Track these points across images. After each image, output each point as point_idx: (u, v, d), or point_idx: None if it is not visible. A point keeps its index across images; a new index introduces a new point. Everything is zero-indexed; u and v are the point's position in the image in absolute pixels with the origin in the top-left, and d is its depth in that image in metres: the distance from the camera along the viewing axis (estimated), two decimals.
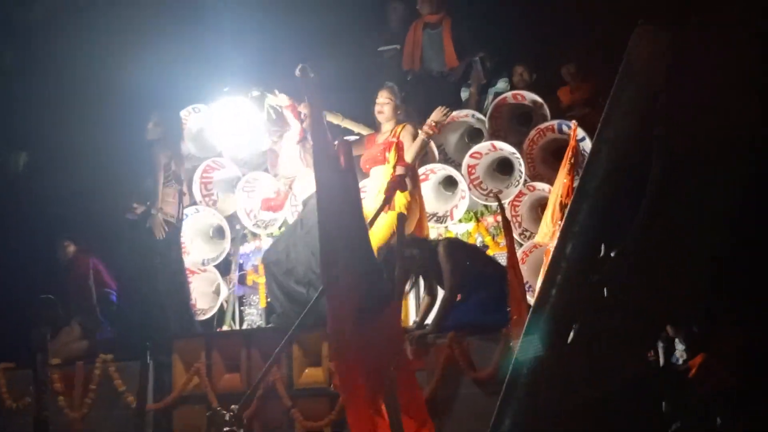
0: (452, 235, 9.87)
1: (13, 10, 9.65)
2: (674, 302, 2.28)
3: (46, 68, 10.28)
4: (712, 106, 2.12)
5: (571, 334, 2.20)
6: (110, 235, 10.16)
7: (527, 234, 9.79)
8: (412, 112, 9.71)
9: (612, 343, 2.25)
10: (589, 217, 2.17)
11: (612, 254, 2.20)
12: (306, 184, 9.20)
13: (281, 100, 9.35)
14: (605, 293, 2.22)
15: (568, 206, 2.24)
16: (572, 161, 9.01)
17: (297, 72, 7.97)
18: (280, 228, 10.23)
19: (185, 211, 10.00)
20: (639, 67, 2.17)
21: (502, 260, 9.62)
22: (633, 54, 2.17)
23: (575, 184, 8.99)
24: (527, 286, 8.82)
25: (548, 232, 8.92)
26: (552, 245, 8.69)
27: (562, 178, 8.95)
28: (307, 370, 8.49)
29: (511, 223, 9.20)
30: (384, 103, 9.28)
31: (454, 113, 10.22)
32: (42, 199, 10.43)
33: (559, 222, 8.79)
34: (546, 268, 2.23)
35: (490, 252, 9.92)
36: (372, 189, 9.11)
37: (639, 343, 2.25)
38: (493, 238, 10.01)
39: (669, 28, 2.09)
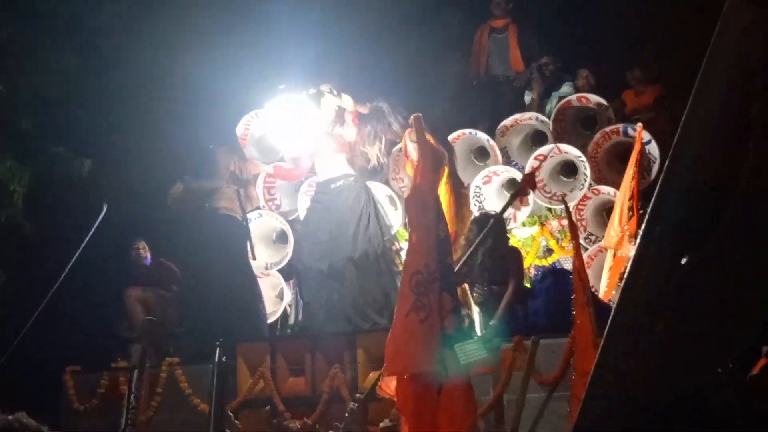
0: (515, 238, 9.81)
1: (78, 15, 9.76)
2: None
3: (110, 72, 10.38)
4: None
5: (658, 328, 2.14)
6: (176, 233, 10.25)
7: (592, 238, 9.72)
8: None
9: (701, 336, 2.19)
10: (678, 199, 2.11)
11: (704, 239, 2.13)
12: (327, 167, 9.25)
13: (345, 102, 9.33)
14: (697, 280, 2.16)
15: (657, 189, 2.17)
16: (637, 164, 8.92)
17: (412, 120, 8.15)
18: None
19: (249, 215, 10.06)
20: (731, 43, 2.10)
21: (567, 264, 9.58)
22: (724, 29, 2.10)
23: (641, 187, 8.93)
24: (593, 290, 8.73)
25: (615, 237, 8.83)
26: (622, 251, 8.65)
27: (629, 181, 8.87)
28: (371, 374, 8.47)
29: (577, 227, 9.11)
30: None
31: (518, 116, 10.20)
32: (109, 202, 10.50)
33: (626, 226, 8.72)
34: (634, 252, 2.17)
35: (555, 256, 9.86)
36: None
37: (729, 340, 2.18)
38: (558, 242, 9.94)
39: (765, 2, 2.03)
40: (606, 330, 2.23)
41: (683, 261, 2.08)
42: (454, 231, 8.53)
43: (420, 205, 6.42)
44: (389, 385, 6.43)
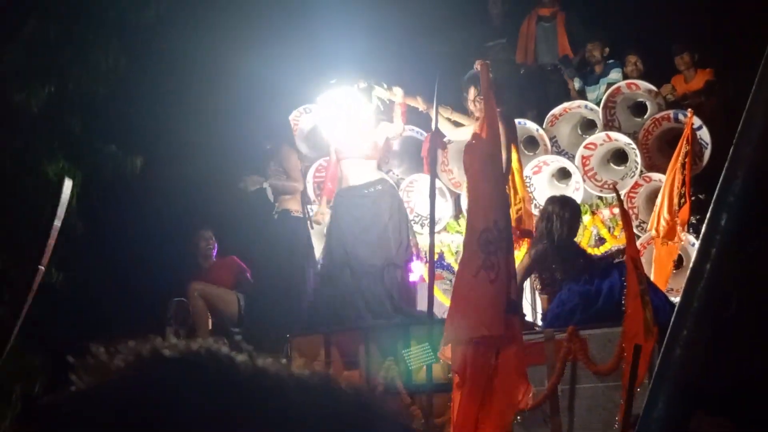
0: None
1: (125, 14, 9.83)
2: None
3: (158, 69, 10.46)
4: None
5: (729, 310, 2.12)
6: (241, 230, 10.33)
7: (644, 226, 9.64)
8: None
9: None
10: (744, 185, 2.08)
11: None
12: (357, 172, 9.31)
13: (396, 95, 9.30)
14: (765, 266, 2.13)
15: (722, 175, 2.14)
16: (689, 150, 8.83)
17: (478, 66, 8.13)
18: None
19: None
20: None
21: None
22: None
23: (693, 173, 8.84)
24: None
25: (668, 227, 8.71)
26: (675, 239, 8.57)
27: (674, 168, 8.77)
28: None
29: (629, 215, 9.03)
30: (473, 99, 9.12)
31: (566, 104, 10.16)
32: (164, 196, 10.58)
33: (676, 216, 8.63)
34: (700, 241, 2.14)
35: (607, 245, 9.79)
36: None
37: None
38: (610, 231, 9.87)
39: None
40: (672, 319, 2.20)
41: (749, 248, 2.06)
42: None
43: (486, 157, 6.29)
44: (449, 351, 6.35)
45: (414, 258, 9.27)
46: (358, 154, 9.41)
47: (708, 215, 2.12)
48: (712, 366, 2.14)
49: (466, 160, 6.50)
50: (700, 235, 2.17)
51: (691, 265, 2.17)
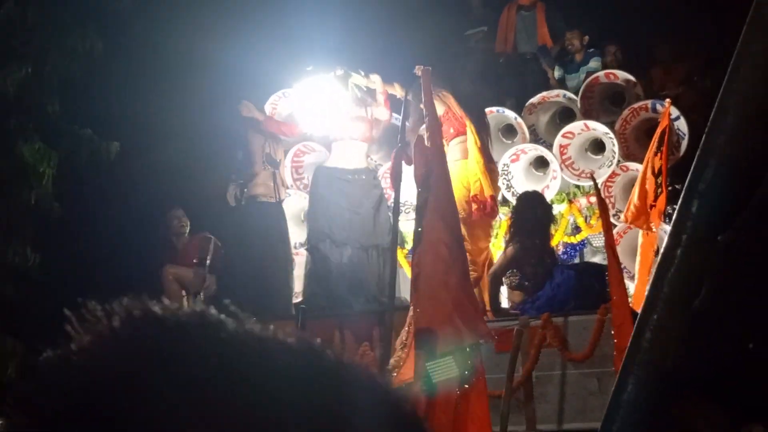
0: None
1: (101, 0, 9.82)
2: None
3: (135, 55, 10.42)
4: None
5: (699, 297, 2.14)
6: (213, 216, 10.32)
7: (621, 215, 9.67)
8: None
9: (742, 309, 2.18)
10: (716, 173, 2.10)
11: (742, 213, 2.13)
12: (347, 154, 9.37)
13: (375, 82, 9.32)
14: (735, 254, 2.15)
15: (694, 162, 2.17)
16: (665, 140, 8.86)
17: (418, 72, 8.18)
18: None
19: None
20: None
21: (597, 242, 9.57)
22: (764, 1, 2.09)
23: (669, 164, 8.88)
24: (622, 267, 8.71)
25: (637, 214, 8.77)
26: (654, 228, 8.61)
27: (651, 157, 8.81)
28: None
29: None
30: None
31: (545, 93, 10.19)
32: (139, 181, 10.55)
33: (653, 202, 8.67)
34: (658, 246, 2.18)
35: (583, 234, 9.85)
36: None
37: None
38: (586, 220, 9.92)
39: None
40: (643, 304, 2.23)
41: (719, 237, 2.08)
42: (491, 195, 8.56)
43: (431, 169, 6.47)
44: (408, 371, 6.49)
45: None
46: (352, 134, 9.46)
47: (679, 202, 2.14)
48: (682, 350, 2.17)
49: (415, 158, 6.75)
50: (672, 222, 2.20)
51: (662, 250, 2.19)
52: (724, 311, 2.10)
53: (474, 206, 8.53)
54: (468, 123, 8.65)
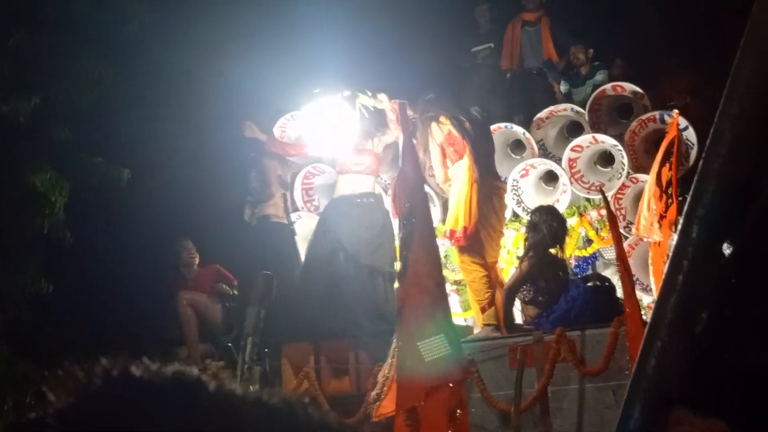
0: None
1: (108, 26, 9.85)
2: None
3: (143, 80, 10.46)
4: None
5: (701, 322, 2.15)
6: (225, 236, 10.34)
7: (632, 227, 9.66)
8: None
9: (743, 333, 2.18)
10: (714, 198, 2.11)
11: (742, 238, 2.13)
12: (352, 184, 9.42)
13: (382, 102, 9.32)
14: (735, 279, 2.15)
15: (692, 188, 2.17)
16: (674, 151, 8.85)
17: (395, 106, 8.28)
18: None
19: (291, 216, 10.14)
20: (764, 35, 2.09)
21: (608, 254, 9.55)
22: (757, 21, 2.09)
23: (679, 174, 8.86)
24: (635, 279, 8.69)
25: (647, 225, 8.76)
26: (655, 238, 8.60)
27: (656, 168, 8.80)
28: None
29: (616, 216, 9.08)
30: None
31: (552, 108, 10.20)
32: (150, 207, 10.58)
33: (663, 213, 8.66)
34: (668, 256, 2.18)
35: (594, 246, 9.84)
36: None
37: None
38: (597, 233, 9.91)
39: None
40: (646, 330, 2.23)
41: (723, 251, 2.09)
42: (473, 224, 8.49)
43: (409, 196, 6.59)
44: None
45: None
46: (358, 169, 9.51)
47: (680, 227, 2.15)
48: (686, 376, 2.17)
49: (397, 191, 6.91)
50: (673, 247, 2.20)
51: (663, 276, 2.20)
52: (725, 336, 2.11)
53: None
54: (467, 146, 8.61)
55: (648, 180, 8.92)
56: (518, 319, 8.99)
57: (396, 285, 7.55)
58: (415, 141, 8.87)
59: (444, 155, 8.68)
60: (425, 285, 6.55)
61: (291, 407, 0.99)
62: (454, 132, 8.58)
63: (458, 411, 6.28)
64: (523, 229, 9.55)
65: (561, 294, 8.49)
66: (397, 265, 9.23)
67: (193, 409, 0.94)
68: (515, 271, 8.89)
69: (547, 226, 8.62)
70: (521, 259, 8.78)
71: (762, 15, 2.03)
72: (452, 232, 8.49)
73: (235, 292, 10.09)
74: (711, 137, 2.14)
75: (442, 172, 8.75)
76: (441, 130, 8.60)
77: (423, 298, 6.50)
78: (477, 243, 8.50)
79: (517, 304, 8.93)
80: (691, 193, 2.10)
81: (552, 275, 8.59)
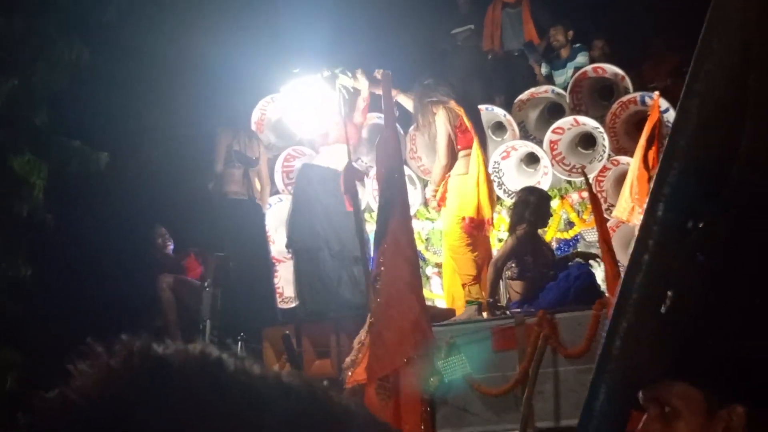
0: None
1: (87, 8, 9.78)
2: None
3: (121, 63, 10.40)
4: None
5: (668, 301, 2.13)
6: (197, 220, 10.28)
7: (612, 209, 9.65)
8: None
9: (710, 312, 2.16)
10: (680, 177, 2.08)
11: (708, 217, 2.10)
12: (335, 155, 9.36)
13: (360, 82, 9.26)
14: (702, 257, 2.13)
15: (658, 167, 2.15)
16: (656, 133, 8.83)
17: (378, 75, 8.24)
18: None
19: (270, 199, 10.05)
20: (729, 12, 2.06)
21: (590, 236, 9.55)
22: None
23: (654, 154, 8.85)
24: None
25: (627, 208, 8.75)
26: (635, 221, 8.60)
27: (641, 152, 8.78)
28: None
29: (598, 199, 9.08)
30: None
31: (533, 89, 10.18)
32: (129, 190, 10.54)
33: (637, 196, 8.65)
34: (638, 232, 2.15)
35: (576, 229, 9.84)
36: None
37: (738, 313, 2.16)
38: (579, 215, 9.91)
39: None
40: (612, 311, 2.21)
41: (689, 230, 2.07)
42: (489, 217, 8.59)
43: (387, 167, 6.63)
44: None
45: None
46: (337, 138, 9.46)
47: (645, 206, 2.13)
48: (652, 356, 2.15)
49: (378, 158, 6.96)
50: (639, 227, 2.18)
51: (629, 256, 2.18)
52: (692, 315, 2.09)
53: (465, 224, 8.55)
54: (475, 137, 8.61)
55: (632, 163, 8.89)
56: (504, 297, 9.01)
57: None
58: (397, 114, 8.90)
59: (450, 143, 8.63)
60: (406, 254, 6.58)
61: (311, 388, 0.99)
62: (466, 120, 8.57)
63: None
64: (504, 212, 9.56)
65: (547, 271, 8.47)
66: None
67: (216, 389, 0.93)
68: (502, 247, 8.86)
69: (525, 201, 8.59)
70: (509, 235, 8.76)
71: None
72: (472, 220, 8.51)
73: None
74: (676, 115, 2.11)
75: (445, 156, 8.65)
76: (449, 116, 8.57)
77: (403, 267, 6.52)
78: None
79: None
80: (657, 171, 2.08)
81: (536, 250, 8.56)
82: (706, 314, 2.10)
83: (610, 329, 2.15)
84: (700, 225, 2.02)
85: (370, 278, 7.05)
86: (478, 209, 8.49)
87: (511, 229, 8.63)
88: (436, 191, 8.68)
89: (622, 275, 2.22)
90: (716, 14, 2.03)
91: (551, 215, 9.00)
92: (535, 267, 8.50)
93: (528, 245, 8.50)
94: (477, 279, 8.53)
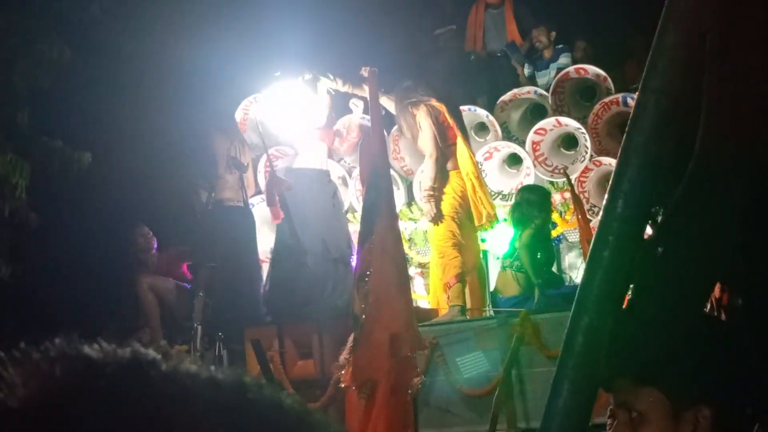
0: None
1: (68, 8, 9.76)
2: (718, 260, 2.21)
3: (103, 62, 10.38)
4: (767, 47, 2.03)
5: (627, 296, 2.14)
6: (185, 221, 10.26)
7: (595, 210, 9.66)
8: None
9: (670, 305, 2.17)
10: (639, 173, 2.09)
11: (665, 211, 2.12)
12: (313, 156, 9.39)
13: (340, 85, 9.27)
14: (660, 252, 2.14)
15: (616, 163, 2.16)
16: None
17: (364, 73, 8.24)
18: (346, 213, 10.28)
19: (251, 200, 10.03)
20: (683, 8, 2.08)
21: (572, 237, 9.57)
22: None
23: None
24: None
25: None
26: None
27: None
28: None
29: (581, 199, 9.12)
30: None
31: (516, 90, 10.19)
32: (112, 190, 10.51)
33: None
34: (598, 228, 2.16)
35: (559, 229, 9.85)
36: None
37: (694, 298, 2.17)
38: (561, 216, 9.92)
39: None
40: (573, 307, 2.22)
41: (648, 234, 2.08)
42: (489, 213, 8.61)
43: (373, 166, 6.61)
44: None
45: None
46: (311, 139, 9.48)
47: (604, 202, 2.13)
48: (614, 351, 2.16)
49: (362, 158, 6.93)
50: (598, 222, 2.19)
51: (589, 252, 2.18)
52: (652, 308, 2.09)
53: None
54: (458, 133, 8.62)
55: (615, 164, 8.87)
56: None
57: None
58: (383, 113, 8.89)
59: (435, 137, 8.62)
60: (393, 255, 6.56)
61: (243, 386, 0.99)
62: (447, 117, 8.58)
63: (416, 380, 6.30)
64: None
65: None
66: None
67: (146, 389, 0.93)
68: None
69: (536, 202, 8.74)
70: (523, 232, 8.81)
71: None
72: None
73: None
74: (634, 111, 2.12)
75: (434, 149, 8.65)
76: (431, 112, 8.58)
77: (391, 268, 6.51)
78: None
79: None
80: (615, 166, 2.08)
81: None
82: (667, 313, 2.12)
83: (571, 326, 2.16)
84: (659, 219, 2.03)
85: (354, 278, 7.03)
86: (474, 205, 8.52)
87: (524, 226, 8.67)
88: (432, 188, 8.62)
89: (584, 271, 2.22)
90: (670, 10, 2.04)
91: (551, 207, 9.11)
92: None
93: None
94: (457, 279, 8.52)
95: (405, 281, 6.77)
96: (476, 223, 8.59)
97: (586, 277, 2.19)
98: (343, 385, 7.17)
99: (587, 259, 2.21)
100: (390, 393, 6.36)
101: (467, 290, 8.61)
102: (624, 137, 2.16)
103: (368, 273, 6.51)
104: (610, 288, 2.12)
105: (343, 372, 7.15)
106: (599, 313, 2.14)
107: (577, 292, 2.20)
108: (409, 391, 6.23)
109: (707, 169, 2.04)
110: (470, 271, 8.67)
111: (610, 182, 2.14)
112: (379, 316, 6.41)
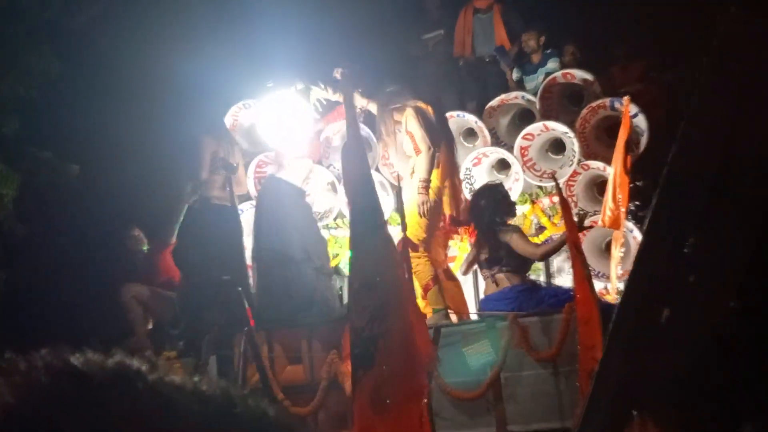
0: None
1: (57, 19, 9.73)
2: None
3: (92, 73, 10.35)
4: None
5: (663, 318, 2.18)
6: (174, 225, 10.25)
7: (583, 213, 9.70)
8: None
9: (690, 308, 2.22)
10: (682, 189, 2.14)
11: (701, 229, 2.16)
12: (296, 171, 9.42)
13: (334, 97, 9.29)
14: (697, 268, 2.19)
15: (659, 187, 2.20)
16: (627, 138, 8.88)
17: (337, 75, 8.24)
18: (335, 219, 10.30)
19: (240, 206, 10.02)
20: (733, 54, 2.12)
21: None
22: (725, 40, 2.12)
23: (630, 159, 8.90)
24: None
25: (614, 216, 8.72)
26: (622, 230, 8.66)
27: (620, 157, 8.81)
28: None
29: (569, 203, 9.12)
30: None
31: (504, 96, 10.23)
32: (102, 198, 10.49)
33: (620, 203, 8.69)
34: (635, 257, 2.20)
35: (547, 233, 9.90)
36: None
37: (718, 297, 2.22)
38: (550, 219, 9.96)
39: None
40: (613, 317, 2.26)
41: (685, 249, 2.12)
42: (450, 214, 8.63)
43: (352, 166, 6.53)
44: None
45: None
46: (301, 152, 9.49)
47: (645, 227, 2.17)
48: (650, 367, 2.20)
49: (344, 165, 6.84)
50: (643, 236, 2.23)
51: (632, 265, 2.21)
52: (688, 323, 2.14)
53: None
54: (443, 143, 8.69)
55: (612, 170, 8.87)
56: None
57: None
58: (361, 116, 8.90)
59: (426, 137, 8.67)
60: (392, 263, 6.45)
61: (228, 398, 1.01)
62: (432, 117, 8.65)
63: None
64: None
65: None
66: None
67: (132, 401, 0.95)
68: (520, 240, 8.83)
69: (486, 202, 8.71)
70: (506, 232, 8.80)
71: (731, 33, 2.05)
72: (452, 218, 8.64)
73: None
74: (681, 133, 2.16)
75: (426, 144, 8.69)
76: (417, 113, 8.62)
77: (393, 278, 6.41)
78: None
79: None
80: (658, 192, 2.12)
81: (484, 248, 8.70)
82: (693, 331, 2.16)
83: (611, 338, 2.19)
84: (691, 244, 2.07)
85: (350, 291, 6.92)
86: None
87: (497, 226, 8.66)
88: (427, 180, 8.64)
89: (623, 290, 2.26)
90: (720, 54, 2.08)
91: (510, 209, 9.04)
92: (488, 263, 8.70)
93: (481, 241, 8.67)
94: (434, 281, 8.55)
95: (406, 285, 6.62)
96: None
97: (627, 286, 2.24)
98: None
99: (631, 270, 2.25)
100: (405, 401, 6.27)
101: (444, 291, 8.66)
102: (663, 177, 2.19)
103: (365, 285, 6.43)
104: (647, 306, 2.17)
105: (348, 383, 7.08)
106: (639, 325, 2.19)
107: (618, 303, 2.24)
108: (425, 400, 6.17)
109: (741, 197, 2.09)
110: (441, 273, 8.73)
111: (649, 215, 2.18)
112: (395, 330, 6.26)
